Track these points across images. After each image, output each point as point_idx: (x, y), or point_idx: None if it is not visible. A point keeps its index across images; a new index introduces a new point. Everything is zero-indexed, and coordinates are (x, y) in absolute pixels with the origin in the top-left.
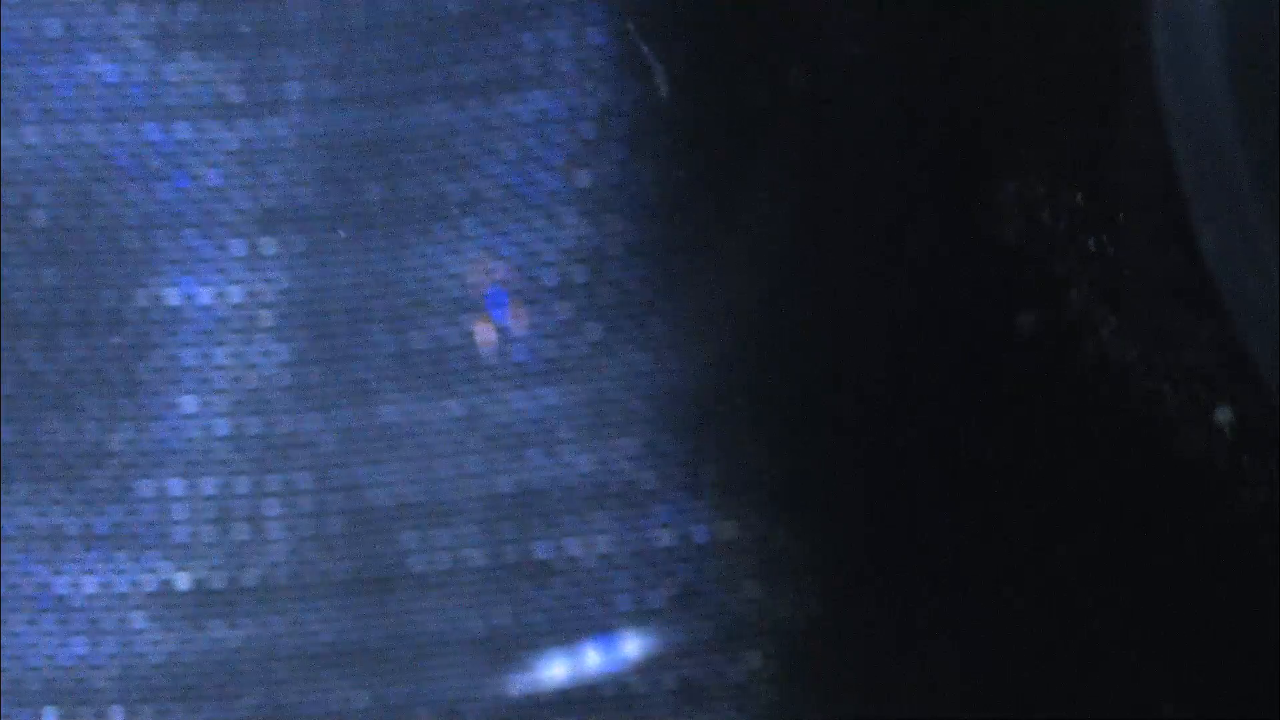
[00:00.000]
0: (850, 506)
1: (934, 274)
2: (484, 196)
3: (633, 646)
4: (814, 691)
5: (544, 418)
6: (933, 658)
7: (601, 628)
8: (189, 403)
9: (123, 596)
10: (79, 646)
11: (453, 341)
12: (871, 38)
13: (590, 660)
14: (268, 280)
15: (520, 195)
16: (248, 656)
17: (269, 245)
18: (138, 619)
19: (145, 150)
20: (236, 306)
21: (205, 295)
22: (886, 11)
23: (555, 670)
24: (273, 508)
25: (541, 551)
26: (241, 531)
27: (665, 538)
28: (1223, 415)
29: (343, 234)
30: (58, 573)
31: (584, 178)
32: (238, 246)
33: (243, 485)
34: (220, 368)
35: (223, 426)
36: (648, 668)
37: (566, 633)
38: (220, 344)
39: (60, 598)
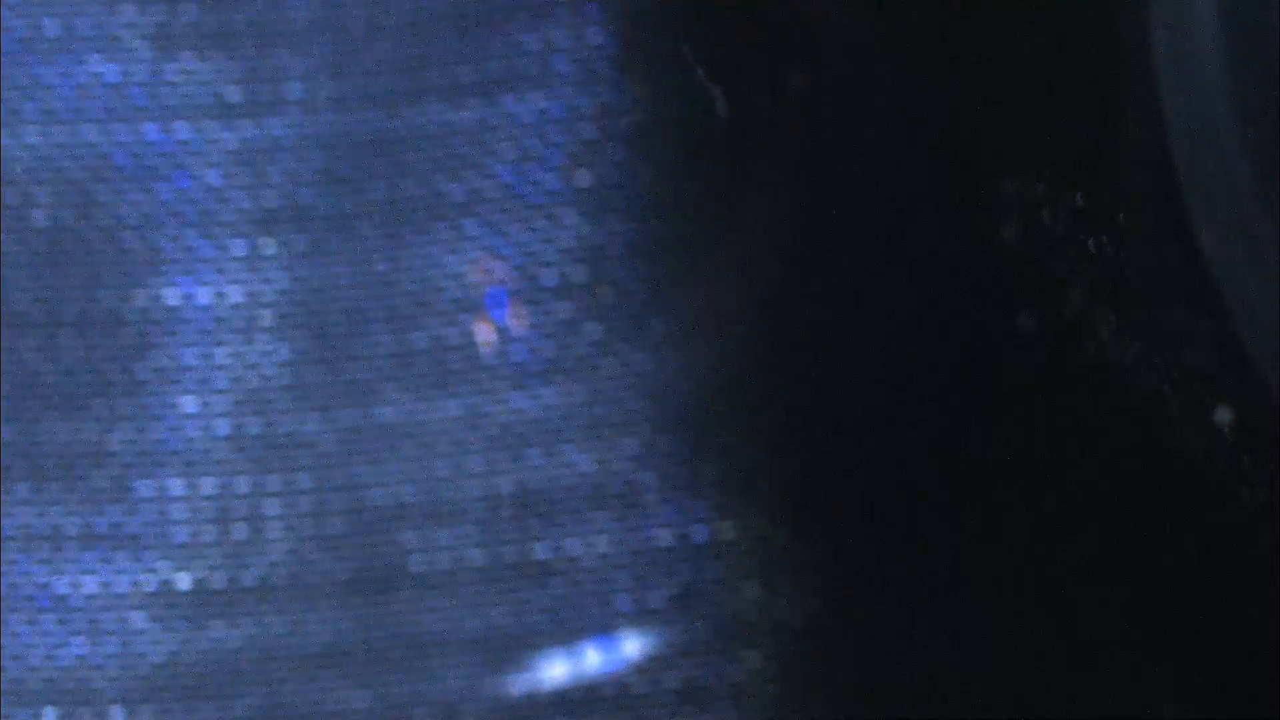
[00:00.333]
0: (850, 506)
1: (934, 274)
2: (484, 196)
3: (633, 646)
4: (814, 691)
5: (544, 418)
6: (933, 658)
7: (601, 628)
8: (189, 403)
9: (123, 596)
10: (79, 646)
11: (453, 341)
12: (871, 38)
13: (590, 660)
14: (268, 280)
15: (520, 195)
16: (248, 656)
17: (269, 245)
18: (138, 619)
19: (145, 150)
20: (236, 306)
21: (205, 295)
22: (886, 11)
23: (555, 670)
24: (273, 508)
25: (541, 551)
26: (241, 531)
27: (665, 538)
28: (1223, 415)
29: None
30: (58, 573)
31: (584, 178)
32: (238, 246)
33: (243, 485)
34: (220, 368)
35: (223, 426)
36: (648, 668)
37: (566, 633)
38: (220, 344)
39: (60, 598)
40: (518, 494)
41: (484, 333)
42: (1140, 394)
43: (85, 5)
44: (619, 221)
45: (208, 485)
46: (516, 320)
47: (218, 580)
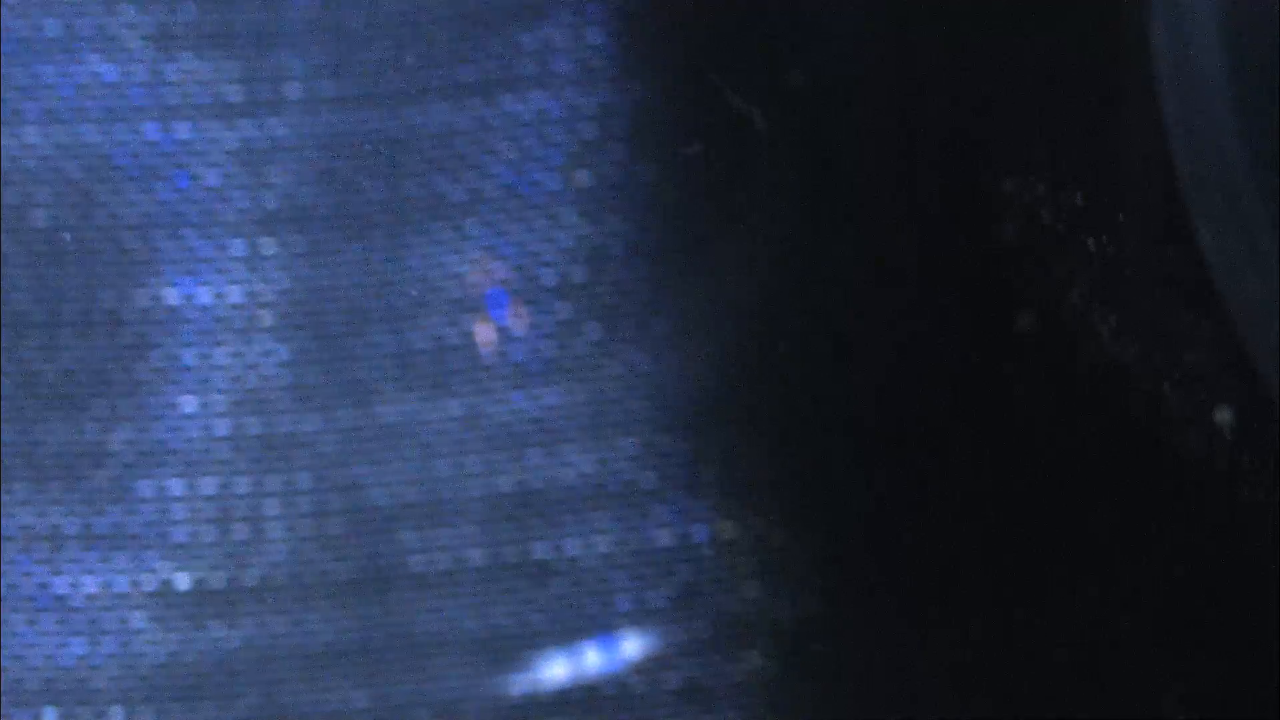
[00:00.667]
0: (850, 506)
1: (934, 274)
2: (484, 196)
3: (633, 646)
4: (814, 691)
5: (544, 418)
6: (933, 658)
7: (601, 628)
8: (189, 403)
9: (123, 596)
10: (79, 646)
11: (453, 341)
12: (872, 38)
13: (590, 660)
14: (267, 280)
15: (520, 195)
16: (248, 656)
17: (269, 245)
18: (138, 619)
19: (145, 150)
20: (236, 306)
21: (205, 295)
22: (887, 11)
23: (555, 670)
24: (273, 508)
25: (541, 551)
26: (241, 531)
27: (665, 538)
28: (1223, 415)
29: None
30: (58, 573)
31: (584, 178)
32: (237, 246)
33: (243, 485)
34: (220, 368)
35: (223, 426)
36: (648, 668)
37: (566, 633)
38: (220, 344)
39: (60, 598)
40: (518, 494)
41: (484, 333)
42: (1140, 394)
43: (85, 5)
44: (619, 221)
45: (208, 485)
46: (516, 320)
47: (218, 580)
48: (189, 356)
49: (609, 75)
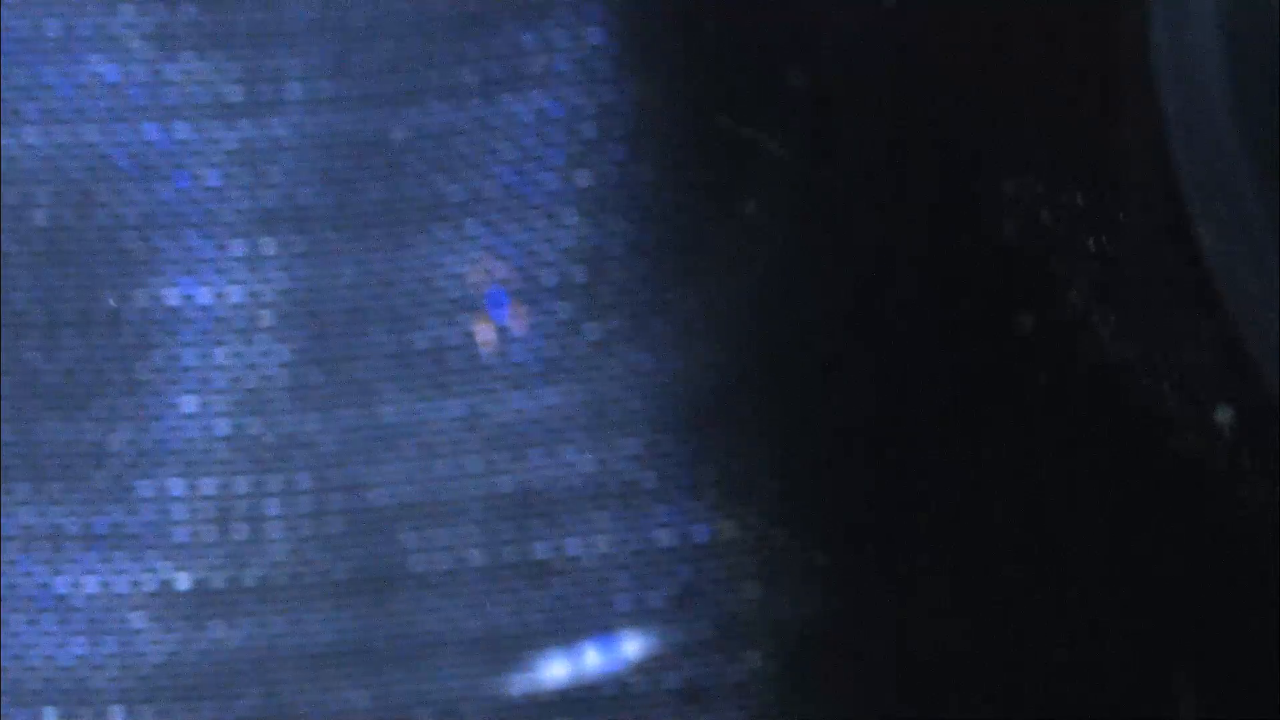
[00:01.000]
0: (850, 506)
1: (934, 274)
2: (484, 196)
3: (633, 646)
4: (814, 691)
5: (544, 418)
6: (932, 658)
7: (601, 628)
8: (189, 403)
9: (123, 596)
10: (79, 646)
11: (453, 341)
12: (871, 37)
13: (590, 660)
14: (267, 280)
15: (520, 195)
16: (248, 656)
17: (269, 245)
18: (138, 619)
19: (145, 150)
20: (236, 306)
21: (205, 295)
22: (886, 11)
23: (555, 670)
24: (273, 508)
25: (541, 551)
26: (241, 531)
27: (665, 538)
28: (1223, 415)
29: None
30: (58, 573)
31: (584, 178)
32: (237, 246)
33: (243, 485)
34: (220, 368)
35: (223, 426)
36: (648, 668)
37: (566, 633)
38: (220, 344)
39: (60, 598)
40: (518, 494)
41: (484, 333)
42: (1140, 394)
43: (85, 5)
44: (619, 221)
45: (208, 485)
46: (516, 320)
47: (218, 580)
48: (189, 356)
49: (609, 75)
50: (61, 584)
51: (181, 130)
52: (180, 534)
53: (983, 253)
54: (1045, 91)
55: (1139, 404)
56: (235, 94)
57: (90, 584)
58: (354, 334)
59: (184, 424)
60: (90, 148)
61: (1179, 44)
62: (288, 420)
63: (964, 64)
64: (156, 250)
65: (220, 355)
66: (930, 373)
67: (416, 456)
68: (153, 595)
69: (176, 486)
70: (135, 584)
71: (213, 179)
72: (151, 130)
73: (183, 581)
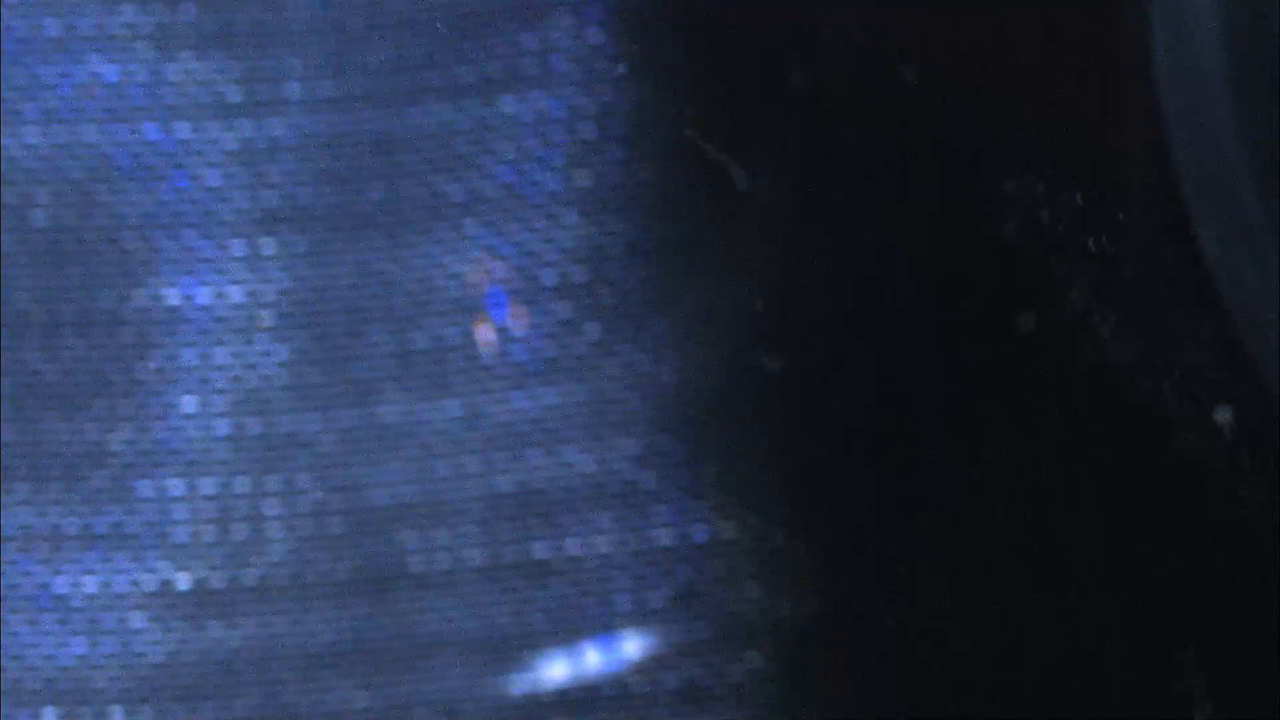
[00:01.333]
0: (850, 506)
1: (934, 274)
2: (484, 196)
3: (633, 646)
4: (814, 691)
5: (544, 418)
6: (932, 658)
7: (601, 628)
8: (189, 403)
9: (123, 596)
10: (79, 646)
11: (453, 341)
12: (872, 38)
13: (590, 660)
14: (267, 280)
15: (520, 195)
16: (248, 656)
17: (269, 245)
18: (137, 619)
19: (145, 150)
20: (236, 306)
21: (205, 295)
22: (886, 12)
23: (555, 670)
24: (273, 508)
25: (541, 551)
26: (241, 531)
27: (665, 538)
28: (1223, 415)
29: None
30: (58, 573)
31: (584, 178)
32: (237, 246)
33: (243, 485)
34: (220, 368)
35: (223, 426)
36: (648, 668)
37: (566, 633)
38: (220, 344)
39: (60, 598)
40: (518, 494)
41: (484, 333)
42: (1140, 394)
43: (85, 5)
44: (619, 221)
45: (208, 485)
46: (516, 320)
47: (218, 580)
48: (189, 356)
49: (609, 75)
50: (61, 584)
51: (181, 130)
52: (180, 534)
53: (983, 253)
54: (1045, 91)
55: (1139, 404)
56: (235, 94)
57: (90, 584)
58: (354, 334)
59: (184, 424)
60: (90, 148)
61: (1179, 44)
62: (288, 420)
63: (964, 64)
64: (156, 250)
65: (220, 355)
66: (930, 373)
67: (416, 456)
68: (153, 595)
69: (176, 486)
70: (135, 584)
71: (213, 179)
72: (151, 130)
73: (183, 581)
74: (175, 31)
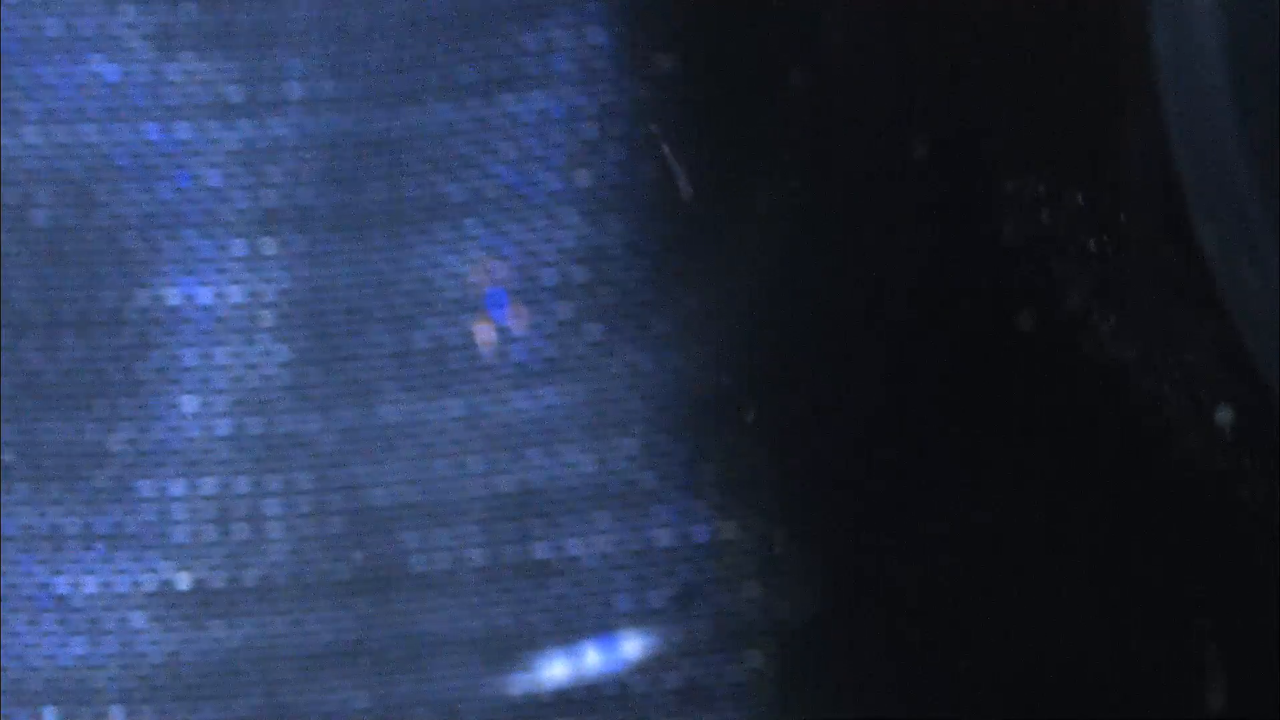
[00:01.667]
0: (850, 506)
1: (933, 273)
2: (484, 196)
3: (633, 646)
4: (814, 691)
5: (544, 418)
6: (932, 658)
7: (601, 628)
8: (189, 403)
9: (123, 596)
10: (79, 646)
11: (453, 341)
12: (872, 38)
13: (590, 660)
14: (268, 280)
15: (520, 195)
16: (248, 656)
17: (269, 245)
18: (138, 619)
19: (145, 150)
20: (236, 306)
21: (205, 295)
22: (886, 11)
23: (555, 670)
24: (273, 508)
25: (541, 551)
26: (241, 531)
27: (665, 538)
28: (1223, 415)
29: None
30: (58, 573)
31: (584, 178)
32: (238, 246)
33: (243, 485)
34: (220, 368)
35: (223, 426)
36: (648, 668)
37: (566, 633)
38: (220, 344)
39: (60, 598)
40: (518, 494)
41: (484, 333)
42: (1140, 394)
43: (86, 5)
44: (619, 221)
45: (208, 485)
46: (516, 320)
47: (218, 580)
48: (190, 356)
49: (609, 75)
50: (61, 584)
51: (182, 130)
52: (180, 534)
53: (983, 253)
54: (1045, 91)
55: (1139, 404)
56: (235, 94)
57: (90, 584)
58: (354, 334)
59: (184, 424)
60: (90, 148)
61: (1179, 44)
62: (288, 420)
63: (964, 64)
64: (157, 250)
65: (221, 355)
66: (930, 373)
67: (416, 456)
68: (153, 595)
69: (176, 486)
70: (135, 584)
71: (213, 179)
72: (152, 130)
73: (183, 581)
74: (176, 31)
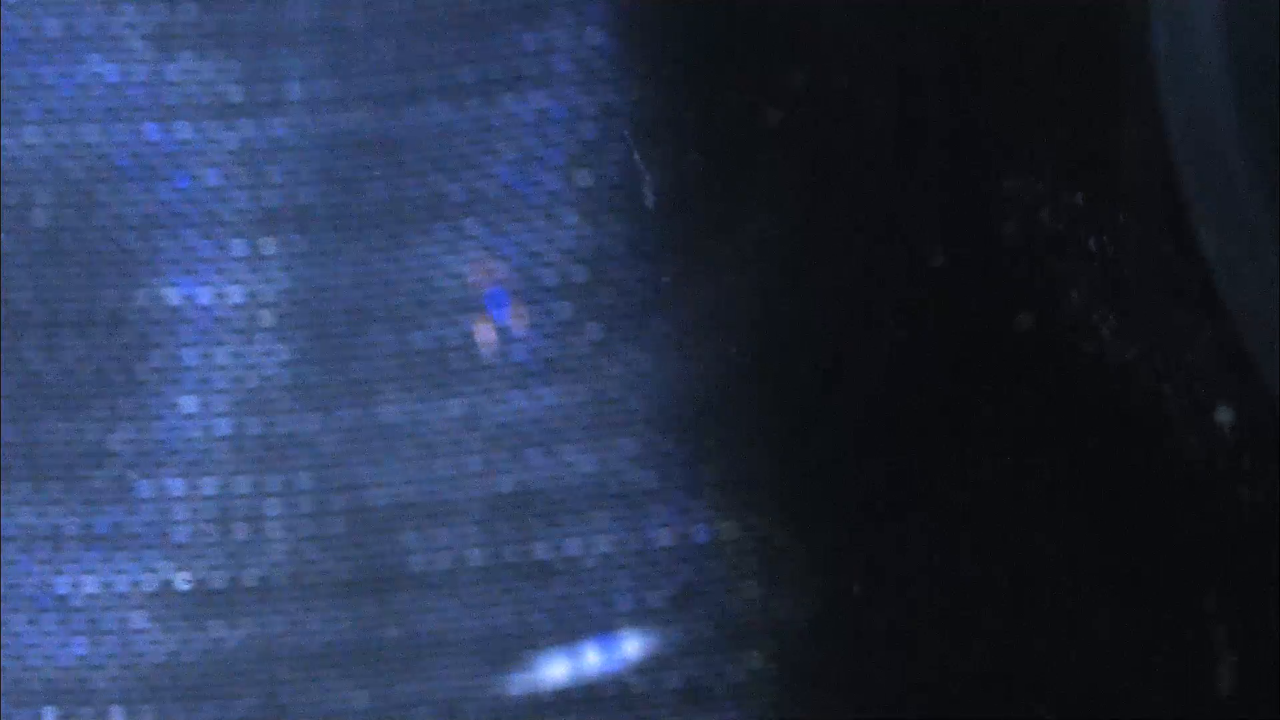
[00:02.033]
0: (851, 507)
1: (934, 274)
2: (484, 196)
3: (633, 646)
4: (814, 691)
5: (544, 418)
6: (932, 658)
7: (601, 628)
8: (189, 403)
9: (123, 596)
10: (79, 646)
11: (453, 341)
12: (872, 38)
13: (590, 660)
14: (268, 280)
15: (520, 195)
16: (248, 656)
17: (269, 245)
18: (138, 619)
19: (145, 150)
20: (236, 306)
21: (205, 295)
22: (887, 12)
23: (555, 670)
24: (273, 508)
25: (541, 551)
26: (241, 531)
27: (665, 538)
28: (1223, 415)
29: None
30: (58, 573)
31: (584, 178)
32: (238, 246)
33: (243, 485)
34: (220, 368)
35: (223, 426)
36: (648, 668)
37: (566, 633)
38: (220, 344)
39: (60, 598)
40: (518, 494)
41: (484, 333)
42: (1140, 394)
43: (85, 5)
44: (619, 221)
45: (208, 485)
46: (516, 320)
47: (218, 580)
48: (189, 356)
49: (609, 75)
50: (61, 584)
51: (182, 130)
52: (180, 534)
53: (983, 253)
54: (1045, 91)
55: (1139, 404)
56: (235, 94)
57: (90, 584)
58: (354, 334)
59: (184, 424)
60: (90, 148)
61: (1179, 44)
62: (288, 420)
63: (964, 64)
64: (157, 250)
65: (221, 355)
66: (930, 373)
67: (416, 456)
68: (153, 595)
69: (176, 486)
70: (135, 584)
71: (213, 179)
72: (152, 130)
73: (183, 581)
74: (176, 31)
